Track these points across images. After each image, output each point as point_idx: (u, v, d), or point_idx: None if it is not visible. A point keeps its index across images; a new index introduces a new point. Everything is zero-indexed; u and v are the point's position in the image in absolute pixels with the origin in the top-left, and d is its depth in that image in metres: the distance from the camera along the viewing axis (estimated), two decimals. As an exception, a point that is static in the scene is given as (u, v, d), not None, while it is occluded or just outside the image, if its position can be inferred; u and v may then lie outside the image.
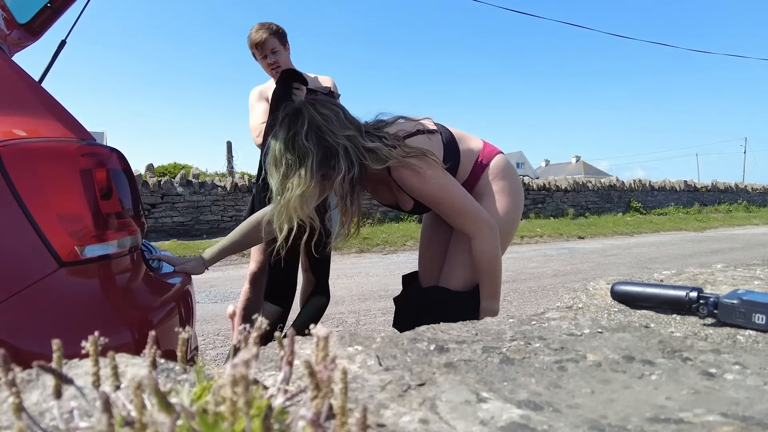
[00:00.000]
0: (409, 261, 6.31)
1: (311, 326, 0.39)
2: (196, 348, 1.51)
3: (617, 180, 14.28)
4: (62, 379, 0.38)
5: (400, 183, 1.36)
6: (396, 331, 1.44)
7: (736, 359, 0.61)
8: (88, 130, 1.10)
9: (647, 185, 14.56)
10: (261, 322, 0.41)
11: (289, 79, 1.92)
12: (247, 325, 0.42)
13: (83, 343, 0.41)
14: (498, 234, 1.36)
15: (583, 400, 0.49)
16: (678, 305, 0.81)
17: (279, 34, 2.06)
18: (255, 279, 2.28)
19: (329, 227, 2.18)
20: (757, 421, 0.43)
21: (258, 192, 2.16)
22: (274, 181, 1.30)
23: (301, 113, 1.28)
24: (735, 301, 0.74)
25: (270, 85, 2.21)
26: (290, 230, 1.28)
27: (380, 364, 0.57)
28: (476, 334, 0.72)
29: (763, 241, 8.57)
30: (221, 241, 1.51)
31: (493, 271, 1.37)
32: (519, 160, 55.39)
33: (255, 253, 2.32)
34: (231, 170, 10.62)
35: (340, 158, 1.25)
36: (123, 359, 0.52)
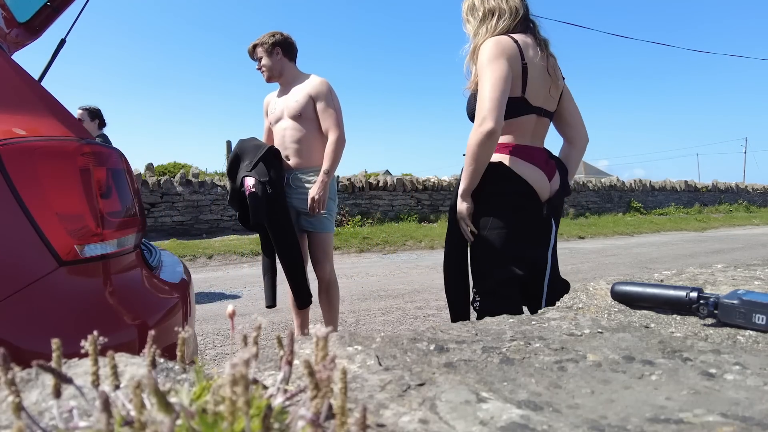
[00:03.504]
0: (408, 261, 6.31)
1: (310, 326, 0.39)
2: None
3: (618, 180, 14.27)
4: (61, 379, 0.38)
5: None
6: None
7: (736, 360, 0.61)
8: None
9: (648, 185, 14.56)
10: (259, 321, 0.41)
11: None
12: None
13: (82, 343, 0.41)
14: (484, 131, 1.48)
15: (583, 400, 0.49)
16: (678, 305, 0.81)
17: (265, 44, 2.42)
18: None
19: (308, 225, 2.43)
20: (757, 421, 0.43)
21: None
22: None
23: None
24: (735, 302, 0.74)
25: (272, 96, 2.58)
26: None
27: (380, 364, 0.57)
28: (476, 334, 0.72)
29: (763, 241, 8.58)
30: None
31: (468, 157, 1.54)
32: (519, 160, 55.23)
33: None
34: (231, 169, 10.60)
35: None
36: (122, 359, 0.52)
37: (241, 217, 2.41)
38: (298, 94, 2.39)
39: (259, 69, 2.48)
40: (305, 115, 2.37)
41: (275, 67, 2.44)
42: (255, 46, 2.46)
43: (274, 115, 2.47)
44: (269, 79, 2.48)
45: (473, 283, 1.67)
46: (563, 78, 1.72)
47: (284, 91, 2.48)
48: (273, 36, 2.44)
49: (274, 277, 2.46)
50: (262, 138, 2.63)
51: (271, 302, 2.45)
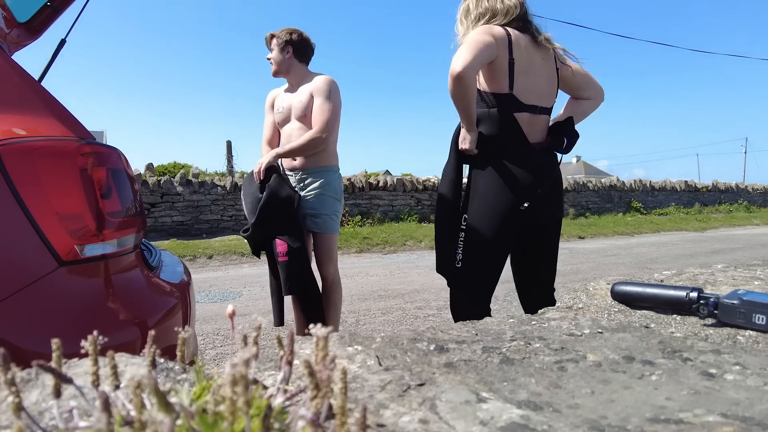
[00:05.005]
0: (408, 261, 6.31)
1: (311, 325, 0.39)
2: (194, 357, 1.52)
3: (618, 180, 14.26)
4: (62, 379, 0.38)
5: None
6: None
7: (737, 360, 0.61)
8: (88, 129, 1.10)
9: (648, 185, 14.55)
10: (259, 321, 0.41)
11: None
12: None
13: (82, 343, 0.41)
14: (451, 76, 1.47)
15: (583, 400, 0.49)
16: (678, 305, 0.81)
17: (279, 39, 2.44)
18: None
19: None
20: (757, 421, 0.43)
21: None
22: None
23: None
24: (735, 302, 0.74)
25: (279, 91, 2.57)
26: None
27: (380, 364, 0.57)
28: (476, 334, 0.72)
29: (763, 241, 8.57)
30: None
31: (455, 105, 1.55)
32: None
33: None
34: (231, 170, 10.62)
35: None
36: (122, 359, 0.52)
37: (254, 251, 2.43)
38: (303, 94, 2.40)
39: (268, 59, 2.49)
40: (309, 115, 2.37)
41: (282, 64, 2.44)
42: (272, 36, 2.46)
43: (282, 116, 2.47)
44: (275, 74, 2.48)
45: (463, 236, 1.68)
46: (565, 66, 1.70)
47: (292, 90, 2.49)
48: (290, 34, 2.44)
49: (281, 296, 2.47)
50: (264, 132, 2.61)
51: (279, 322, 2.48)
